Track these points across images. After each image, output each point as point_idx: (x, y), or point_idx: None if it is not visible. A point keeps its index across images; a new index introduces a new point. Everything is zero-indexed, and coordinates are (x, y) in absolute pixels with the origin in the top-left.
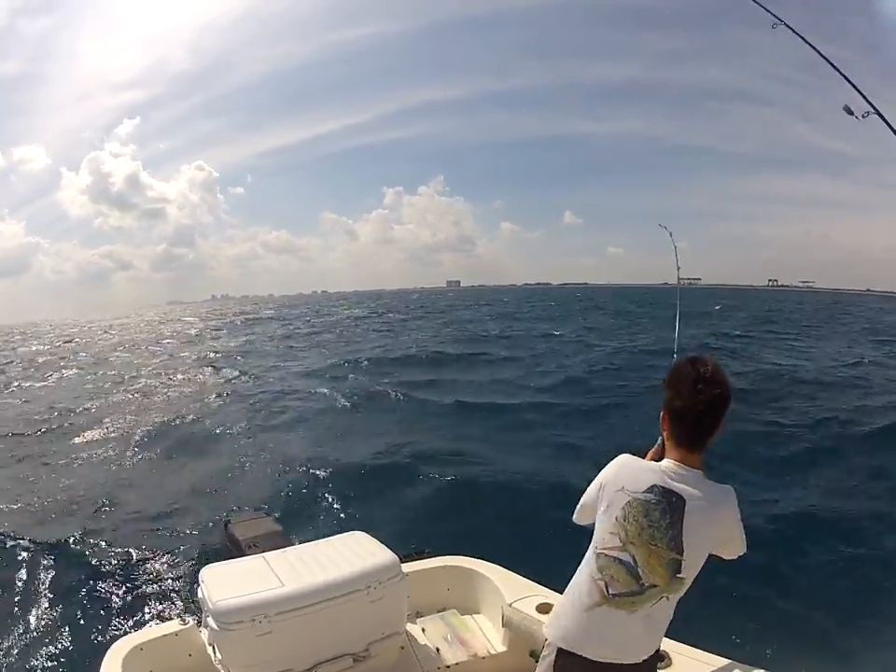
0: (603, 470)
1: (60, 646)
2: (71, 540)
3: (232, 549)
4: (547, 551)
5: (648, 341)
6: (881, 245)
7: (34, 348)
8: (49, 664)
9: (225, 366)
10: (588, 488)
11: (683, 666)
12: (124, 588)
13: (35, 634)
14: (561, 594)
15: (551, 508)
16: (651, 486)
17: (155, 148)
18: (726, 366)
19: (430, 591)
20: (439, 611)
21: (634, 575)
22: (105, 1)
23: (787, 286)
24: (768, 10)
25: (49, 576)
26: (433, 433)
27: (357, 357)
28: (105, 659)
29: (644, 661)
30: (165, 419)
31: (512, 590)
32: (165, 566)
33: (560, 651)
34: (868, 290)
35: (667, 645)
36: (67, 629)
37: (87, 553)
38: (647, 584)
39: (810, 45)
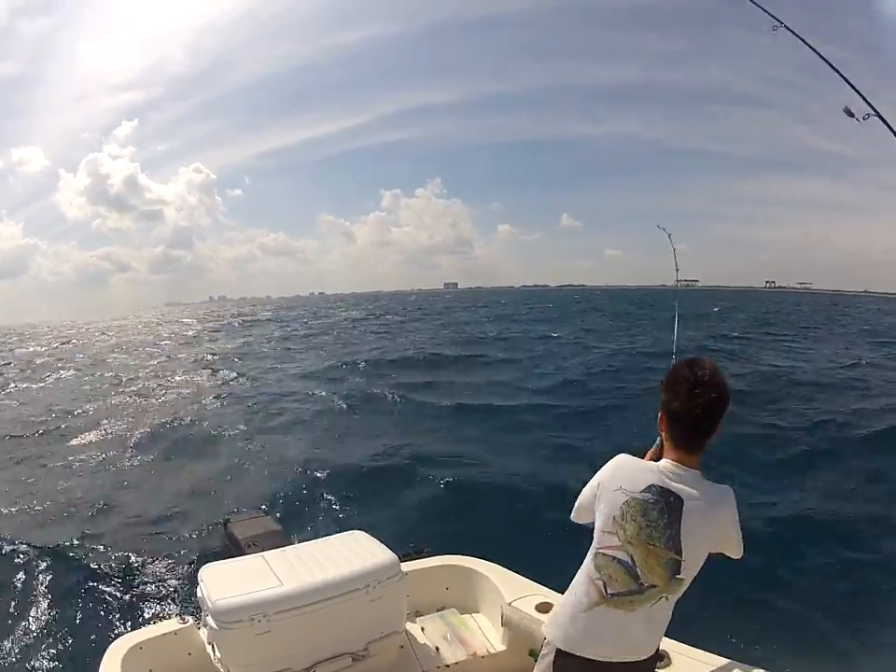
0: (600, 470)
1: (60, 645)
2: (70, 541)
3: (232, 548)
4: (546, 551)
5: (646, 343)
6: (881, 246)
7: (31, 349)
8: (50, 663)
9: (223, 368)
10: (585, 487)
11: (683, 666)
12: (123, 587)
13: (35, 633)
14: (560, 593)
15: (549, 509)
16: (649, 486)
17: (153, 150)
18: (725, 368)
19: (430, 590)
20: (438, 610)
21: (632, 575)
22: (104, 1)
23: (784, 287)
24: (768, 12)
25: (49, 576)
26: (431, 435)
27: (355, 359)
28: (104, 658)
29: (644, 660)
30: (163, 421)
31: (512, 589)
32: (164, 565)
33: (559, 651)
34: (866, 291)
35: (667, 644)
36: (67, 628)
37: (86, 553)
38: (646, 584)
39: (810, 47)
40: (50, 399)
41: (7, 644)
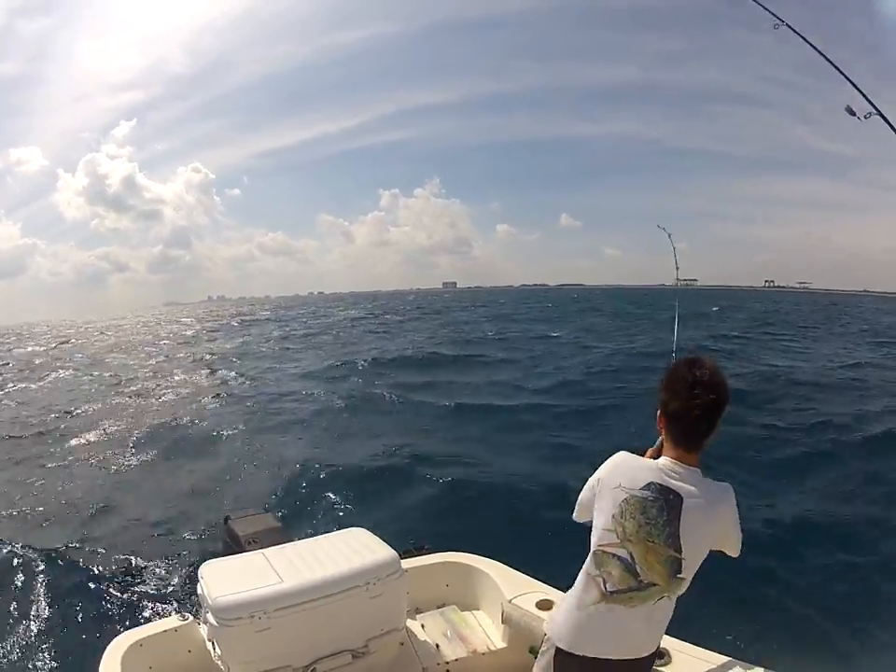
0: (600, 468)
1: (60, 643)
2: (70, 540)
3: (232, 545)
4: (546, 549)
5: (646, 342)
6: (881, 246)
7: (29, 349)
8: (50, 661)
9: (221, 368)
10: (585, 486)
11: (683, 664)
12: (123, 585)
13: (35, 632)
14: (561, 590)
15: (549, 507)
16: (649, 484)
17: (152, 150)
18: (724, 367)
19: (430, 587)
20: (438, 607)
21: (632, 572)
22: (102, 2)
23: (783, 286)
24: (769, 10)
25: (49, 575)
26: (430, 434)
27: (354, 359)
28: (104, 655)
29: (644, 658)
30: (162, 421)
31: (512, 586)
32: (164, 562)
33: (559, 648)
34: (865, 290)
35: (667, 642)
36: (67, 626)
37: (86, 552)
38: (646, 582)
39: (811, 45)
40: (49, 399)
41: (9, 643)
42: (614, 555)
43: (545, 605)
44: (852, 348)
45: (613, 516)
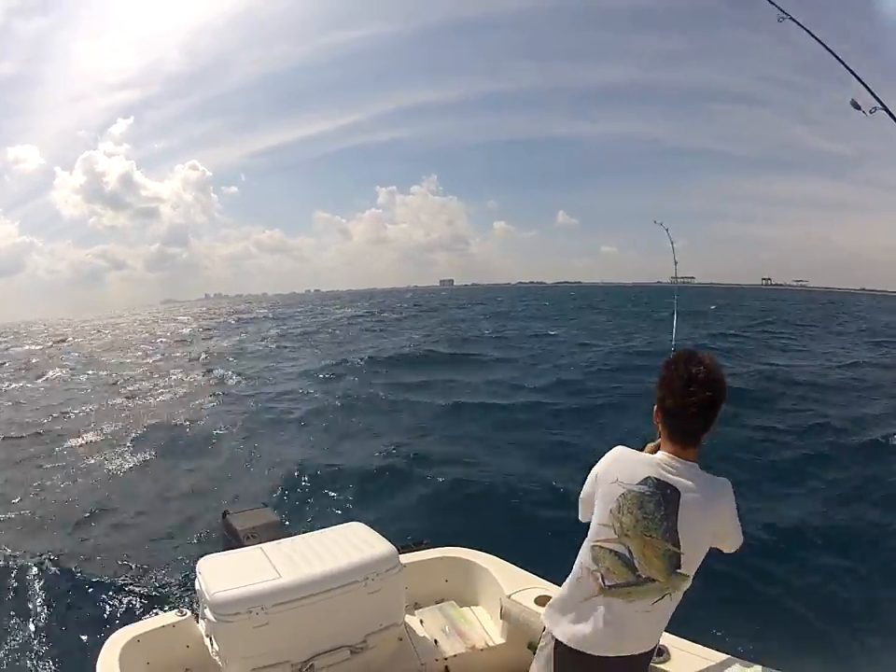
0: (598, 463)
1: (58, 639)
2: (68, 539)
3: (231, 539)
4: (543, 545)
5: (644, 341)
6: (879, 245)
7: (26, 348)
8: (49, 657)
9: (218, 366)
10: (585, 483)
11: (682, 661)
12: (122, 580)
13: (34, 628)
14: (559, 586)
15: (547, 505)
16: (646, 478)
17: (149, 148)
18: (722, 366)
19: (428, 582)
20: (437, 603)
21: (630, 566)
22: (100, 2)
23: (781, 284)
24: (774, 3)
25: (47, 573)
26: (428, 433)
27: (352, 358)
28: (102, 651)
29: (642, 654)
30: (159, 421)
31: (511, 582)
32: (163, 558)
33: (558, 642)
34: (863, 289)
35: (666, 639)
36: (65, 623)
37: (83, 549)
38: (644, 576)
39: (816, 38)
40: (46, 398)
41: (8, 642)
42: (612, 551)
43: (544, 600)
44: (850, 347)
45: (611, 511)
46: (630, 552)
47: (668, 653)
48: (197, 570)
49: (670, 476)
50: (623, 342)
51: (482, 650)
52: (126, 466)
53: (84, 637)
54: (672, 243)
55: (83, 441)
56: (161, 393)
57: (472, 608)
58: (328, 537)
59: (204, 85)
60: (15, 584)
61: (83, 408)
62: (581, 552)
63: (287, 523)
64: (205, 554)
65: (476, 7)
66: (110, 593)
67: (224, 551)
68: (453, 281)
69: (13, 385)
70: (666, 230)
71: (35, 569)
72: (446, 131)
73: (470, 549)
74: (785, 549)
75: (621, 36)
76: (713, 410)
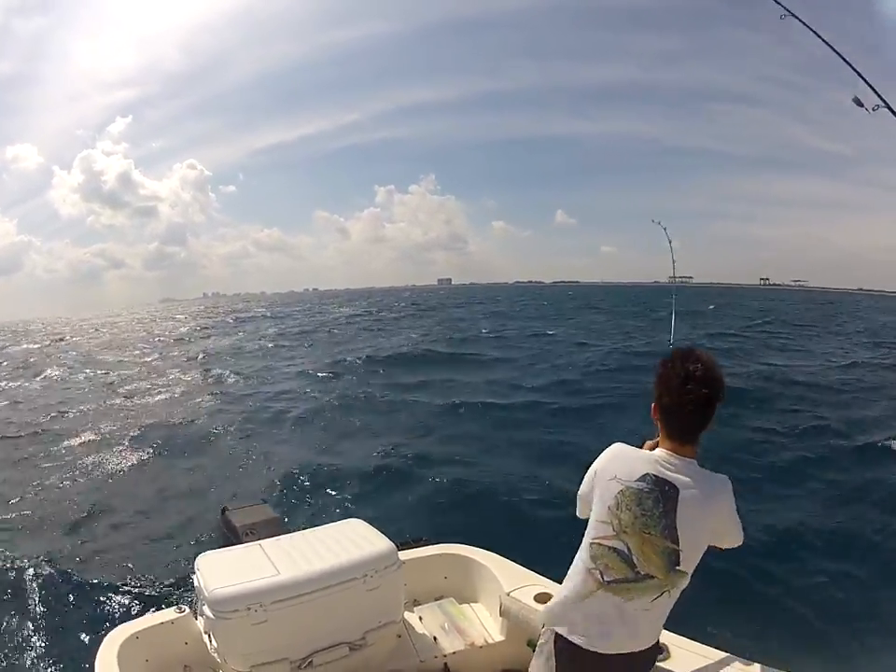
0: (596, 460)
1: (57, 638)
2: (66, 537)
3: (229, 535)
4: (542, 544)
5: (642, 341)
6: (878, 245)
7: (24, 347)
8: (47, 656)
9: (216, 366)
10: (583, 480)
11: (681, 659)
12: (120, 579)
13: (33, 626)
14: (559, 584)
15: (546, 503)
16: (644, 475)
17: (147, 147)
18: (721, 366)
19: (427, 579)
20: (436, 600)
21: (628, 563)
22: (99, 1)
23: (779, 284)
24: (778, 2)
25: (46, 570)
26: (426, 432)
27: (350, 357)
28: (100, 648)
29: (641, 651)
30: (157, 420)
31: (510, 579)
32: (162, 554)
33: (558, 638)
34: (860, 289)
35: (665, 637)
36: (64, 621)
37: (82, 547)
38: (642, 573)
39: (818, 36)
40: (44, 397)
41: (7, 639)
42: (610, 548)
43: (543, 598)
44: (849, 348)
45: (609, 508)
46: (629, 548)
47: (668, 651)
48: (195, 567)
49: (668, 473)
50: (621, 341)
51: (481, 647)
52: (124, 465)
53: (83, 636)
54: (670, 242)
55: (81, 441)
56: (159, 392)
57: (472, 605)
58: (327, 533)
59: (203, 84)
60: (13, 584)
61: (81, 407)
62: (580, 549)
63: (286, 520)
64: (204, 549)
65: (475, 5)
66: (109, 591)
67: (223, 547)
68: (451, 280)
69: (11, 385)
70: (664, 229)
71: (33, 569)
72: (445, 130)
73: (470, 546)
74: (784, 549)
75: (620, 36)
76: (710, 407)
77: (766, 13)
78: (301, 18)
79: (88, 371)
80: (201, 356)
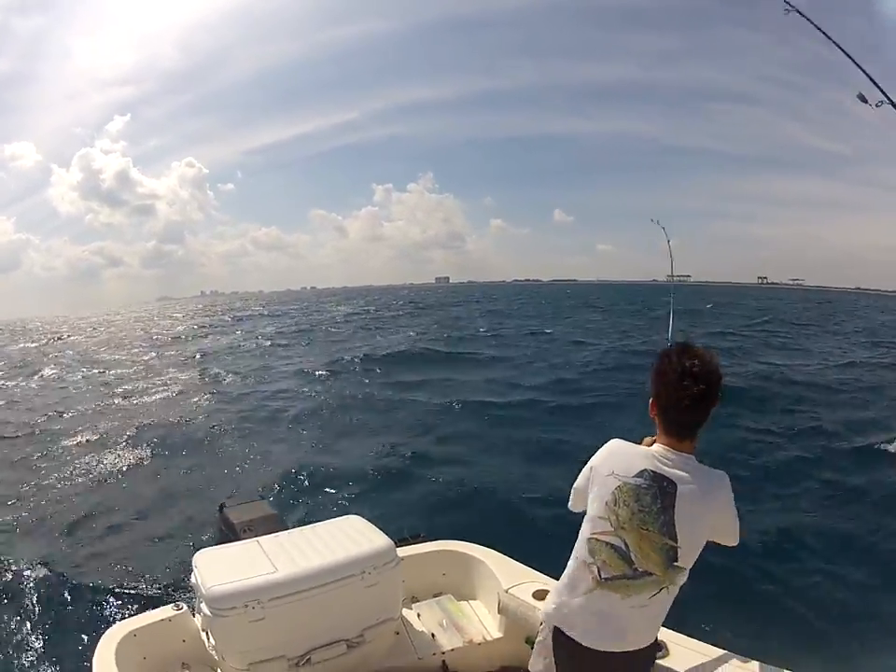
0: (594, 456)
1: (54, 637)
2: (64, 536)
3: (227, 532)
4: (540, 542)
5: (639, 340)
6: (875, 245)
7: (21, 345)
8: (45, 655)
9: (213, 365)
10: (580, 474)
11: (680, 656)
12: (118, 578)
13: (31, 624)
14: (558, 580)
15: (543, 502)
16: (642, 471)
17: (145, 145)
18: (718, 361)
19: (426, 576)
20: (434, 596)
21: (626, 559)
22: None
23: (777, 283)
24: None
25: (44, 571)
26: (424, 431)
27: (348, 356)
28: (98, 646)
29: (641, 650)
30: (154, 419)
31: (509, 576)
32: (159, 554)
33: (557, 634)
34: (857, 288)
35: (664, 635)
36: (62, 619)
37: (81, 546)
38: (640, 570)
39: (822, 31)
40: (41, 396)
41: (5, 639)
42: (607, 543)
43: (542, 595)
44: (847, 347)
45: (607, 504)
46: (626, 545)
47: (667, 649)
48: (193, 564)
49: (666, 468)
50: (618, 340)
51: (479, 644)
52: (121, 465)
53: (81, 635)
54: (668, 240)
55: (78, 441)
56: (157, 392)
57: (470, 602)
58: (325, 530)
59: (201, 82)
60: (12, 585)
61: (78, 407)
62: (576, 545)
63: (285, 517)
64: (202, 545)
65: (473, 4)
66: (107, 591)
67: (220, 544)
68: (448, 278)
69: (8, 384)
70: (662, 227)
71: (30, 570)
72: (442, 128)
73: (468, 542)
74: (783, 549)
75: (619, 35)
76: (707, 403)
77: (767, 10)
78: (298, 16)
79: (85, 370)
80: (198, 355)
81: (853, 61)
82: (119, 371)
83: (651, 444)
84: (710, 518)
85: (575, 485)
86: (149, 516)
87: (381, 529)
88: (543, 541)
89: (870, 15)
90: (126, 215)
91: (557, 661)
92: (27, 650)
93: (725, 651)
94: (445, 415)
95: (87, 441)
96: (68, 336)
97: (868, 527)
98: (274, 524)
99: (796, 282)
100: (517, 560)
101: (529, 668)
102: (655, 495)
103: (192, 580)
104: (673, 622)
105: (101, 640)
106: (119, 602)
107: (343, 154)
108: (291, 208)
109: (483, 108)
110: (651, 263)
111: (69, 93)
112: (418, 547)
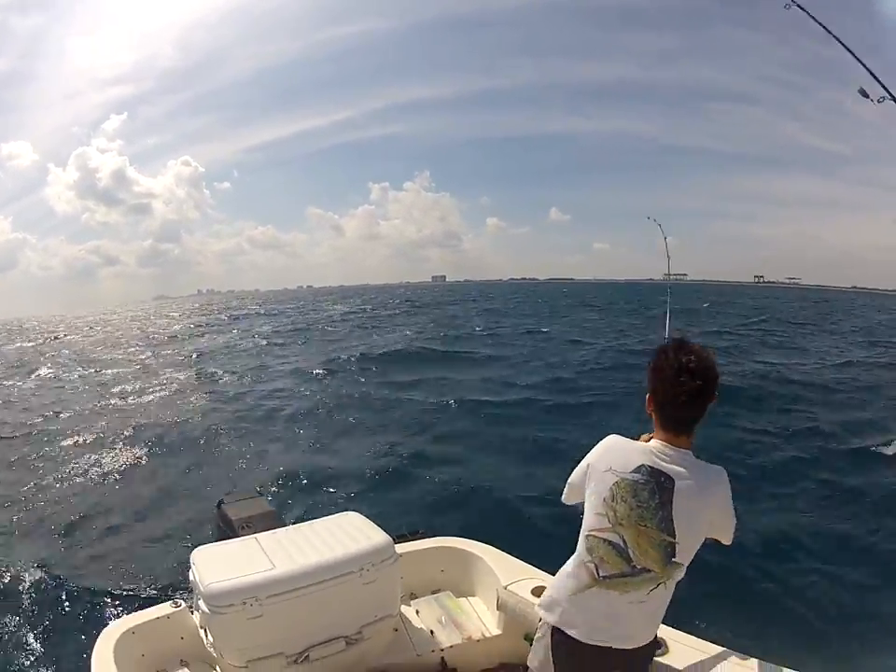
0: (591, 451)
1: (53, 637)
2: (62, 536)
3: (225, 529)
4: (538, 541)
5: (636, 339)
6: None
7: (18, 345)
8: (43, 654)
9: (210, 364)
10: (576, 468)
11: (680, 653)
12: (117, 576)
13: (30, 622)
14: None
15: (540, 500)
16: (639, 467)
17: (142, 144)
18: (715, 358)
19: (424, 572)
20: (433, 593)
21: (624, 557)
22: None
23: (773, 282)
24: None
25: (42, 571)
26: (421, 430)
27: (344, 355)
28: (97, 643)
29: (640, 647)
30: (151, 419)
31: (507, 572)
32: (157, 553)
33: (555, 630)
34: (854, 287)
35: (664, 632)
36: (61, 619)
37: (79, 546)
38: (639, 567)
39: (823, 27)
40: (38, 396)
41: (5, 639)
42: (605, 540)
43: (541, 591)
44: (844, 347)
45: (604, 500)
46: (624, 541)
47: (666, 646)
48: (191, 561)
49: (664, 464)
50: (615, 339)
51: (478, 641)
52: (118, 464)
53: (79, 634)
54: (665, 239)
55: (75, 441)
56: (153, 391)
57: (469, 598)
58: (323, 526)
59: (198, 81)
60: (10, 586)
61: (75, 406)
62: (578, 543)
63: (282, 515)
64: (200, 542)
65: (472, 3)
66: (105, 590)
67: (219, 540)
68: (445, 277)
69: (4, 384)
70: (659, 225)
71: (28, 570)
72: (440, 127)
73: (467, 539)
74: (781, 549)
75: (618, 34)
76: (704, 399)
77: (767, 10)
78: (296, 14)
79: (82, 369)
80: (195, 354)
81: (854, 56)
82: (115, 370)
83: (648, 440)
84: (708, 513)
85: (570, 479)
86: (147, 516)
87: (379, 525)
88: (540, 539)
89: (870, 15)
90: (122, 214)
91: (556, 658)
92: (26, 650)
93: (724, 649)
94: (442, 414)
95: (84, 441)
96: (65, 335)
97: (865, 528)
98: (272, 520)
99: (793, 281)
100: (515, 556)
101: (528, 665)
102: (653, 490)
103: (190, 577)
104: (672, 620)
105: (99, 638)
106: (118, 601)
107: (340, 153)
108: (288, 207)
109: (481, 108)
110: (648, 262)
111: (67, 93)
112: (417, 543)
